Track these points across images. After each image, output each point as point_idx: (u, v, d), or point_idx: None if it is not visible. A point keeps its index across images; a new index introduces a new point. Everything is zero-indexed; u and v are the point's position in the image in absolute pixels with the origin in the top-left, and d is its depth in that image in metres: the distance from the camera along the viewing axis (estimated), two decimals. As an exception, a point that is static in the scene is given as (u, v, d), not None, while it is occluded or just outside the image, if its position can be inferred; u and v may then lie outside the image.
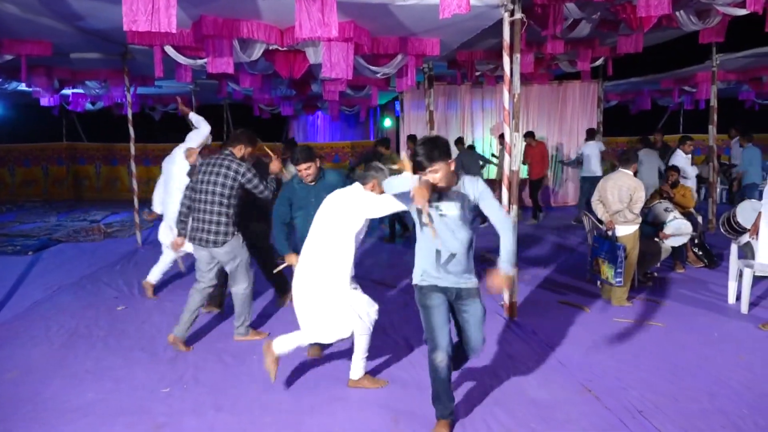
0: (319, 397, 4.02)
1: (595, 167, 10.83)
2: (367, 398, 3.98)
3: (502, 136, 11.18)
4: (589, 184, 10.13)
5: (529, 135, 11.46)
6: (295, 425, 3.66)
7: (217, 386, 4.21)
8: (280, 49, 7.11)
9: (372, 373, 4.32)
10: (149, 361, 4.68)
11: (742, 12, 6.20)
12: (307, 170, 4.64)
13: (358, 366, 4.14)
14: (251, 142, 5.11)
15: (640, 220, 5.92)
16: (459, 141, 12.07)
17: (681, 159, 8.90)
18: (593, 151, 10.91)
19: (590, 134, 11.52)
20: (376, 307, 4.08)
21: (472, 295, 3.46)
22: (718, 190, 10.92)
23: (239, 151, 5.02)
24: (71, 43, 7.77)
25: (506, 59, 5.50)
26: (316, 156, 4.69)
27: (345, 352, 4.76)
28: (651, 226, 6.59)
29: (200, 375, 4.40)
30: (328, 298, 3.93)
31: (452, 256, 3.35)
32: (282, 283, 5.94)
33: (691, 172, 8.99)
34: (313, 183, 4.72)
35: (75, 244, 9.64)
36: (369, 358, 4.21)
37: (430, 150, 3.19)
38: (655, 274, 6.83)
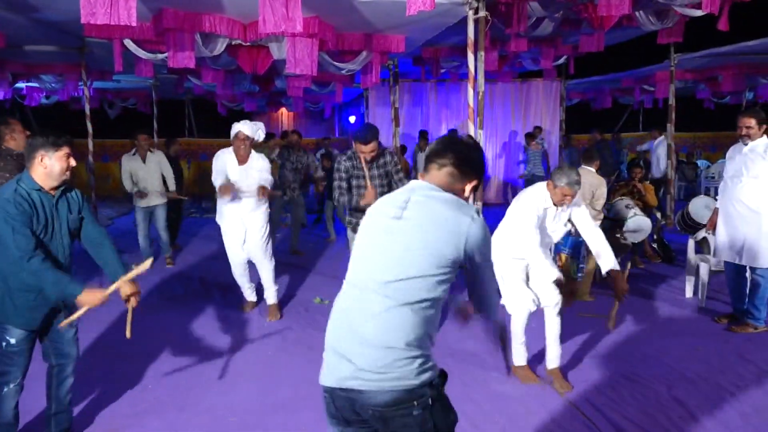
0: (282, 396, 3.99)
1: (537, 169, 11.49)
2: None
3: (529, 135, 11.72)
4: (536, 182, 10.53)
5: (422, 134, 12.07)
6: (259, 424, 3.62)
7: (180, 386, 4.14)
8: (243, 44, 7.03)
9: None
10: (110, 360, 4.56)
11: (699, 13, 6.36)
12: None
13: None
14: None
15: (602, 216, 6.03)
16: (423, 135, 12.22)
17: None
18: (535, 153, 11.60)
19: (531, 137, 11.88)
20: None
21: None
22: (676, 186, 11.23)
23: None
24: (26, 35, 7.53)
25: (471, 57, 5.54)
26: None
27: (307, 351, 4.74)
28: (612, 222, 6.72)
29: (161, 375, 4.32)
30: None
31: None
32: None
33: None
34: None
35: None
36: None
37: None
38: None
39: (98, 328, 5.33)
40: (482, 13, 5.46)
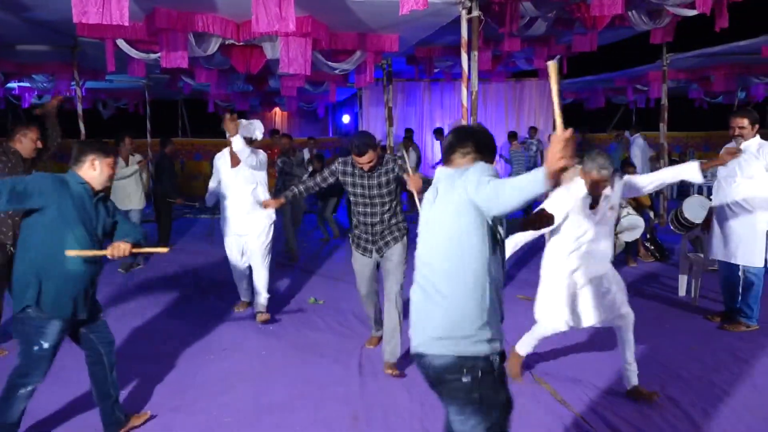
0: (278, 395, 3.98)
1: (520, 170, 11.46)
2: (326, 396, 3.96)
3: (511, 135, 11.63)
4: None
5: (438, 132, 12.05)
6: (254, 424, 3.61)
7: (174, 386, 4.12)
8: (236, 43, 7.01)
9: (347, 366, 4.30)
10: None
11: (692, 12, 6.39)
12: None
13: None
14: None
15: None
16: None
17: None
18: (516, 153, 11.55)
19: (513, 136, 11.85)
20: None
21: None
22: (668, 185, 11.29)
23: None
24: (18, 35, 7.49)
25: (464, 56, 5.55)
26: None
27: (301, 351, 4.74)
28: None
29: (156, 375, 4.30)
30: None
31: None
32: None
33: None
34: None
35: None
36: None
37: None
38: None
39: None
40: (475, 13, 5.48)
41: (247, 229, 5.39)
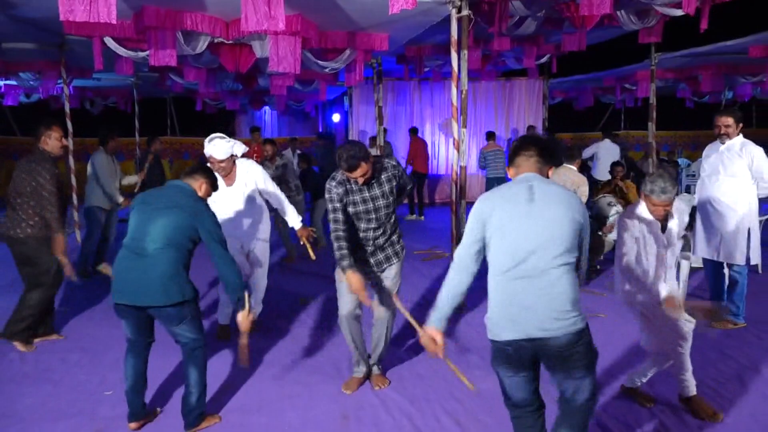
0: (266, 395, 3.97)
1: (498, 171, 11.13)
2: (316, 396, 3.95)
3: (488, 134, 11.34)
4: (496, 184, 10.43)
5: (413, 132, 11.93)
6: (243, 424, 3.60)
7: (162, 387, 4.11)
8: (225, 42, 6.97)
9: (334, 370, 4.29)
10: (90, 363, 4.52)
11: (679, 12, 6.43)
12: None
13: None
14: None
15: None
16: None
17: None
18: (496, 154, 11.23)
19: (490, 136, 11.73)
20: None
21: None
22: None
23: None
24: (4, 33, 7.41)
25: (454, 55, 5.55)
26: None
27: (293, 351, 4.73)
28: (594, 220, 6.78)
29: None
30: None
31: None
32: None
33: None
34: None
35: (10, 242, 9.20)
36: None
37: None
38: (598, 267, 7.02)
39: (80, 334, 5.28)
40: (465, 12, 5.48)
41: (250, 248, 4.97)
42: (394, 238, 3.99)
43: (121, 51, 6.80)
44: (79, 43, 7.85)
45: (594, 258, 6.81)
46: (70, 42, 8.08)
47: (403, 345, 4.83)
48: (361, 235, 3.88)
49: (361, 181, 3.70)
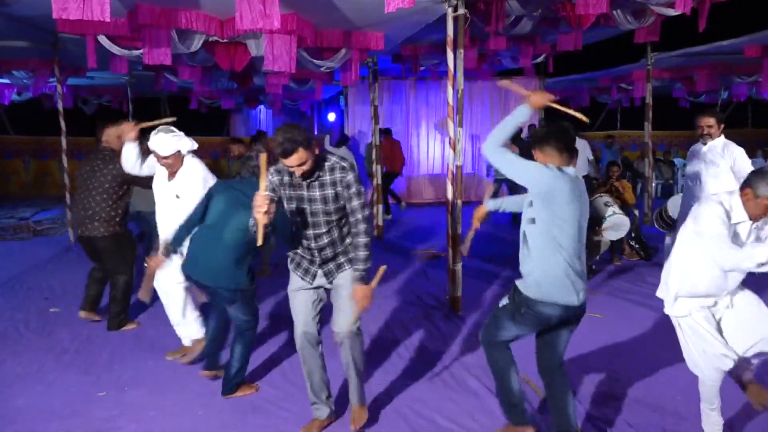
0: (262, 395, 3.94)
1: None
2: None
3: None
4: (505, 186, 10.42)
5: (386, 132, 11.78)
6: (238, 424, 3.58)
7: (157, 387, 4.08)
8: (220, 40, 6.93)
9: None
10: (84, 364, 4.49)
11: (674, 12, 6.42)
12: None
13: None
14: None
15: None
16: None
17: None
18: None
19: None
20: None
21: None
22: (653, 184, 11.37)
23: None
24: (-4, 30, 7.36)
25: (450, 54, 5.53)
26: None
27: (286, 352, 4.71)
28: (590, 220, 6.75)
29: (139, 377, 4.25)
30: None
31: None
32: None
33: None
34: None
35: (2, 242, 9.16)
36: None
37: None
38: (594, 267, 7.01)
39: (78, 334, 5.25)
40: (461, 11, 5.46)
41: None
42: (350, 248, 3.31)
43: (115, 49, 6.76)
44: (72, 42, 7.81)
45: (588, 258, 6.79)
46: (63, 40, 8.02)
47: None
48: (304, 242, 3.29)
49: (298, 172, 3.07)
